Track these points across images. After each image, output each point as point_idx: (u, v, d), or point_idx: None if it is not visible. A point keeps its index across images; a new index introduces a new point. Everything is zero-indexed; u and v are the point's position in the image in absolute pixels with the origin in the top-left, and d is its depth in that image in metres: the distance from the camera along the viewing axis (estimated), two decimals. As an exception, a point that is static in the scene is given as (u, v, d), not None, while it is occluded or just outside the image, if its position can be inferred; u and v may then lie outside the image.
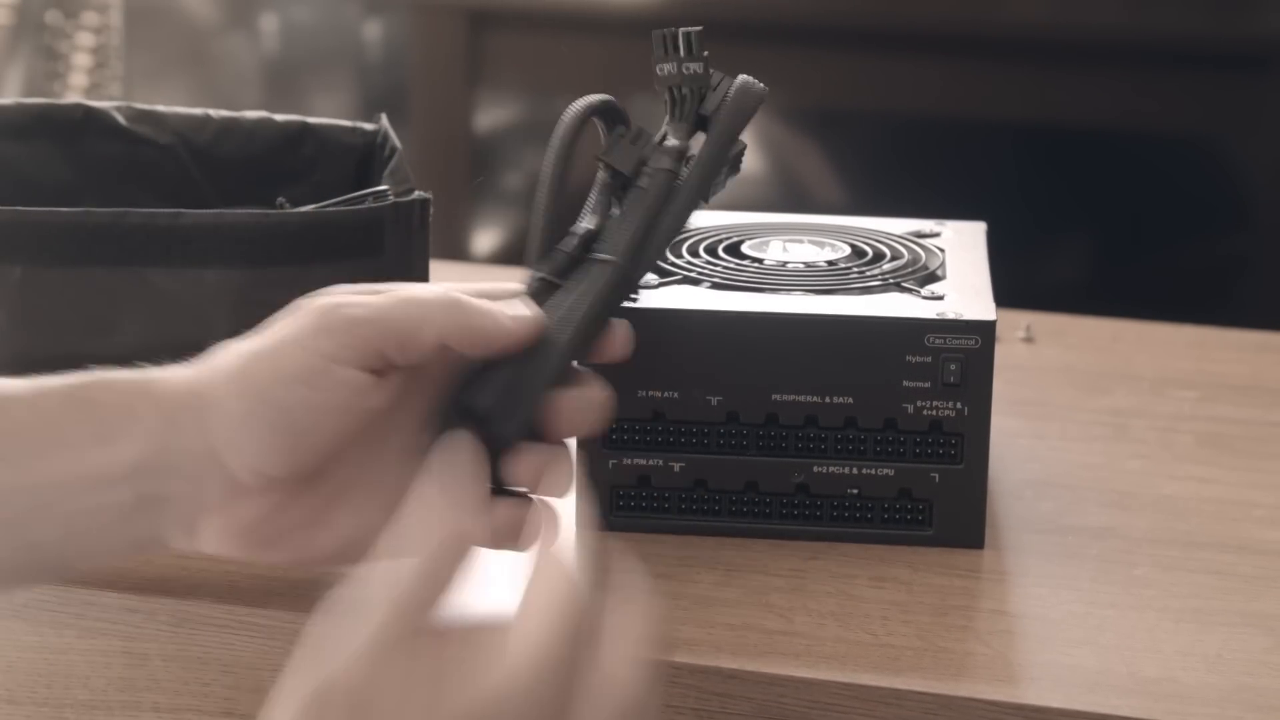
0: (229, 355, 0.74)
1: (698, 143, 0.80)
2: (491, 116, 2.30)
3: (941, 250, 0.94)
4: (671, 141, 0.79)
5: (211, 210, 0.89)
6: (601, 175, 0.80)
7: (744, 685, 0.75)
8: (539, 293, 0.77)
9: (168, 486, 0.74)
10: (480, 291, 0.77)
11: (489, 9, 2.22)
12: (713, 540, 0.85)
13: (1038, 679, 0.75)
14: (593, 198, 0.80)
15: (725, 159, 0.79)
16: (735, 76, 0.79)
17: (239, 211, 0.90)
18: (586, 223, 0.79)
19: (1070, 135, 2.08)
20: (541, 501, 0.76)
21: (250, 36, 2.38)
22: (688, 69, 0.79)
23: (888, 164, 2.14)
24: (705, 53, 0.79)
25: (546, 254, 0.78)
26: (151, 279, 0.88)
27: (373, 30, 2.36)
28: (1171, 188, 2.06)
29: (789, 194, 2.16)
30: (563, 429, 0.76)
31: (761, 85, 0.79)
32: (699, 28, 0.78)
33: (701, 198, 0.79)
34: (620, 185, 0.80)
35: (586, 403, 0.77)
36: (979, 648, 0.77)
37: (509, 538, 0.76)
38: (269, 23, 2.37)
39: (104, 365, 0.81)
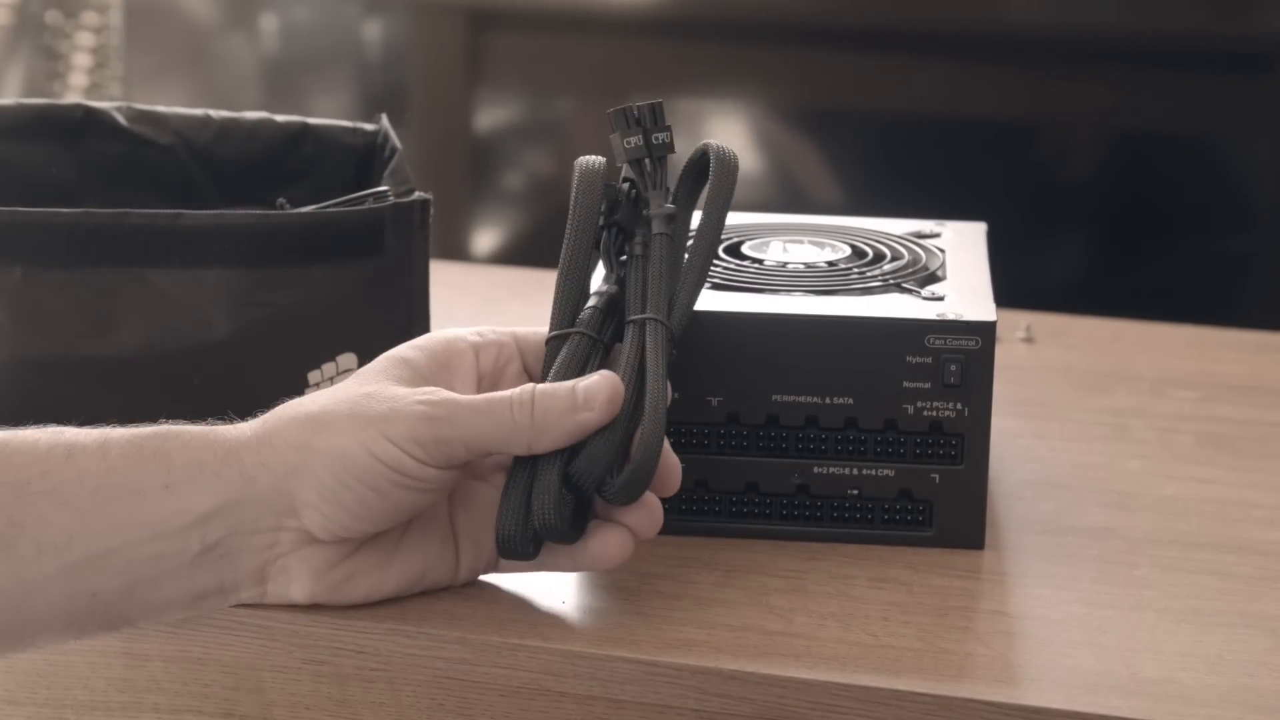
0: (321, 424, 0.76)
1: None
2: (491, 116, 2.30)
3: (941, 251, 0.94)
4: (662, 209, 0.81)
5: (211, 211, 0.89)
6: (607, 236, 0.81)
7: (744, 686, 0.75)
8: (584, 349, 0.79)
9: (235, 539, 0.76)
10: (499, 339, 0.80)
11: (489, 9, 2.22)
12: (713, 541, 0.85)
13: (1038, 680, 0.75)
14: (604, 260, 0.82)
15: (721, 232, 0.82)
16: (702, 145, 0.83)
17: (239, 212, 0.90)
18: (607, 285, 0.81)
19: (1070, 135, 2.08)
20: None
21: (250, 36, 2.37)
22: (656, 139, 0.82)
23: (888, 164, 2.14)
24: (669, 123, 0.82)
25: (571, 314, 0.80)
26: (151, 279, 0.88)
27: (373, 30, 2.36)
28: (1171, 188, 2.06)
29: (789, 194, 2.16)
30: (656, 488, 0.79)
31: (733, 154, 0.84)
32: (660, 100, 0.82)
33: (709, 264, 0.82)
34: (619, 247, 0.81)
35: (671, 465, 0.80)
36: (979, 649, 0.77)
37: None
38: (269, 23, 2.36)
39: (104, 366, 0.82)
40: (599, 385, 0.77)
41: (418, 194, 0.92)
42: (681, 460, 0.79)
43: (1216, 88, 2.00)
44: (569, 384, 0.77)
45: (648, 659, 0.76)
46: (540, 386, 0.76)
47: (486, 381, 0.80)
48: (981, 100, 2.07)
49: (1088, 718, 0.73)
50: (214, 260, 0.88)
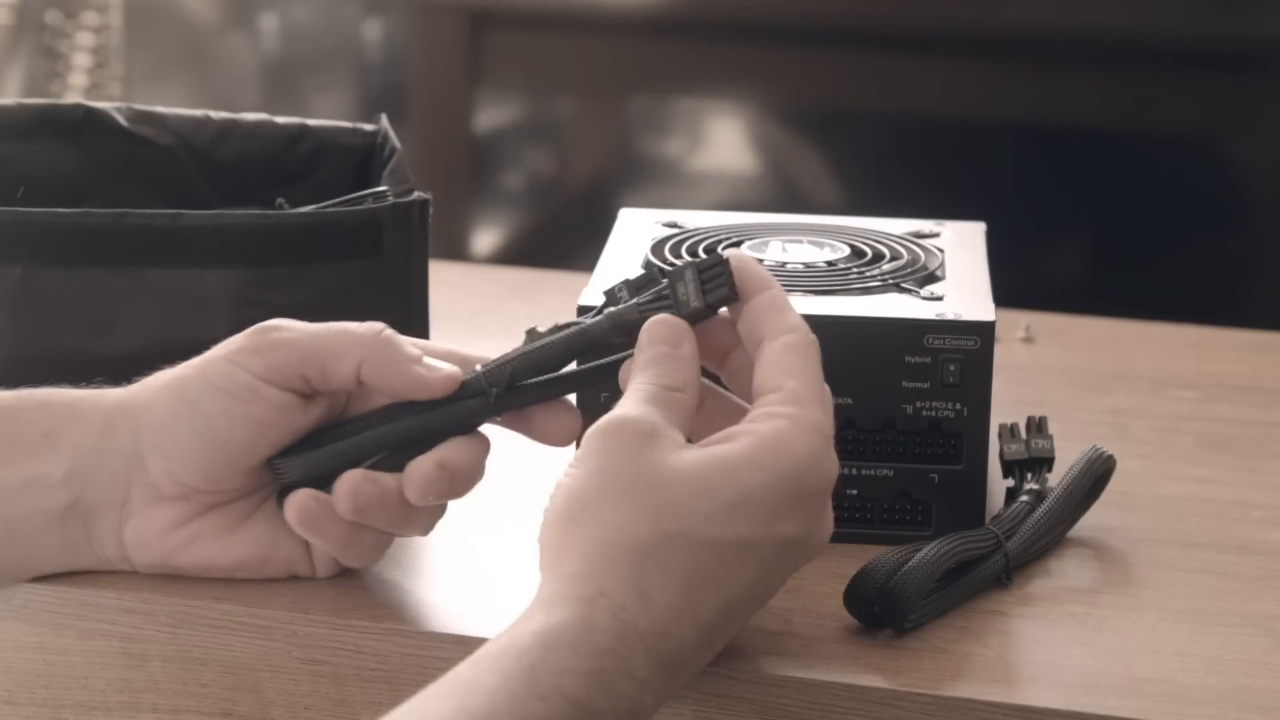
0: (165, 371, 0.79)
1: None
2: (491, 116, 2.30)
3: (941, 250, 0.94)
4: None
5: (211, 211, 0.89)
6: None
7: (743, 686, 0.75)
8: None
9: (96, 493, 0.78)
10: (439, 352, 0.80)
11: (489, 9, 2.22)
12: (712, 541, 0.85)
13: (1036, 679, 0.75)
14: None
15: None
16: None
17: (238, 212, 0.90)
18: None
19: (1070, 135, 2.08)
20: None
21: (250, 36, 2.37)
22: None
23: (888, 164, 2.14)
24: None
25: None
26: (151, 280, 0.88)
27: (373, 30, 2.36)
28: (1171, 188, 2.06)
29: (788, 194, 2.16)
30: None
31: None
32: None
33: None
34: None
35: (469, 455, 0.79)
36: (977, 648, 0.77)
37: None
38: (269, 23, 2.36)
39: (104, 365, 0.82)
40: (451, 376, 0.78)
41: (417, 194, 0.92)
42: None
43: (1216, 88, 2.00)
44: (420, 344, 0.79)
45: (647, 659, 0.75)
46: (390, 330, 0.78)
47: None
48: (981, 100, 2.08)
49: (1087, 718, 0.72)
50: (213, 260, 0.88)
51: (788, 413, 0.71)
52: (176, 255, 0.88)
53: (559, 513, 0.70)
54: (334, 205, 0.91)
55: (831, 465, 0.72)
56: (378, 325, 0.79)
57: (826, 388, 0.74)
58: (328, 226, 0.90)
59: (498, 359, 0.78)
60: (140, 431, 0.78)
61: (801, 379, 0.72)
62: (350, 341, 0.78)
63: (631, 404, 0.72)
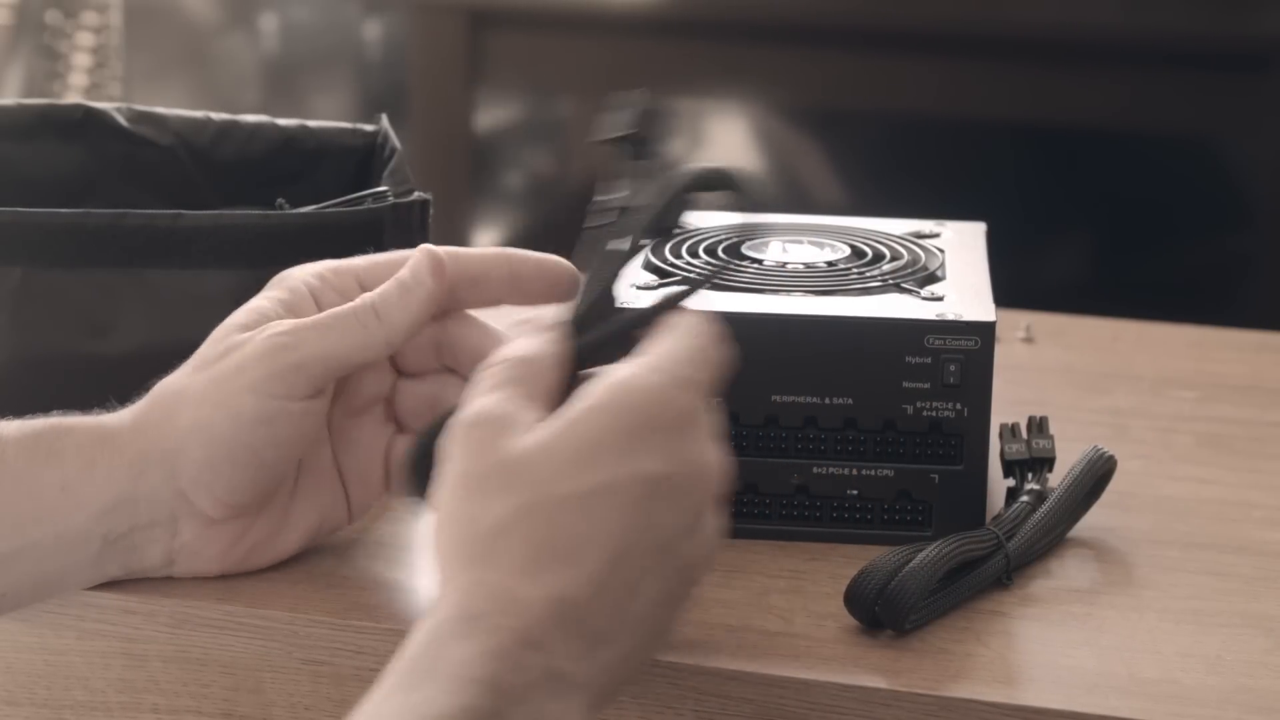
0: (183, 401, 0.78)
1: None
2: (491, 116, 2.30)
3: (941, 251, 0.94)
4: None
5: (211, 211, 0.89)
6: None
7: (744, 686, 0.75)
8: None
9: (137, 533, 0.78)
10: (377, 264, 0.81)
11: (489, 9, 2.22)
12: (712, 541, 0.85)
13: (1037, 680, 0.75)
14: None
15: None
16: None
17: (238, 213, 0.90)
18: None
19: (1070, 135, 2.08)
20: None
21: (250, 37, 2.37)
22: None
23: (888, 164, 2.14)
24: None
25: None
26: (151, 280, 0.88)
27: (373, 30, 2.36)
28: (1171, 188, 2.06)
29: (788, 194, 2.16)
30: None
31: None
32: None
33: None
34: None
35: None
36: (978, 648, 0.77)
37: None
38: (269, 23, 2.37)
39: (104, 366, 0.82)
40: (418, 259, 0.79)
41: (417, 194, 0.92)
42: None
43: (1216, 88, 2.01)
44: (394, 276, 0.79)
45: (647, 659, 0.75)
46: (372, 292, 0.79)
47: None
48: (982, 100, 2.08)
49: (1087, 718, 0.72)
50: (213, 261, 0.88)
51: (632, 362, 0.70)
52: (176, 256, 0.88)
53: (433, 527, 0.69)
54: (334, 206, 0.91)
55: (684, 399, 0.69)
56: (365, 299, 0.79)
57: (710, 352, 0.73)
58: (327, 227, 0.90)
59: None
60: (178, 475, 0.77)
61: (662, 346, 0.72)
62: (364, 334, 0.78)
63: (483, 393, 0.70)
